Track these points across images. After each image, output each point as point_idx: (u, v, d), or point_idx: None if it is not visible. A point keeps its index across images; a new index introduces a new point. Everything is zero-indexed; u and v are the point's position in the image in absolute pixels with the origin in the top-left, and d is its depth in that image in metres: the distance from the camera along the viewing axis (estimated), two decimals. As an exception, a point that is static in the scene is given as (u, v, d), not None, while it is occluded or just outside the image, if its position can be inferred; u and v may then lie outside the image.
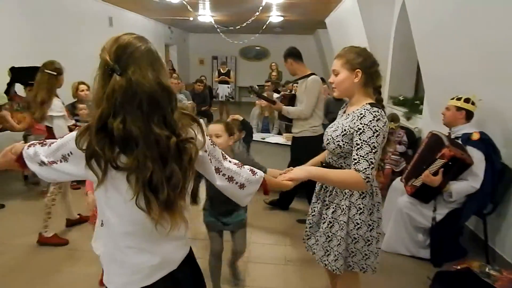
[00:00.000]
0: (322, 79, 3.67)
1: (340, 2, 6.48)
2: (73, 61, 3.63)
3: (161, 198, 1.00)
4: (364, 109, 1.60)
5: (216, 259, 2.34)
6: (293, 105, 3.55)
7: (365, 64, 1.66)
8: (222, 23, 9.07)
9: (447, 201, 2.80)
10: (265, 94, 5.24)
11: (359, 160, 1.53)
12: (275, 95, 6.07)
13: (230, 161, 1.25)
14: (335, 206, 1.75)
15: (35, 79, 2.94)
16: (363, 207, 1.69)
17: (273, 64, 9.35)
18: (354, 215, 1.69)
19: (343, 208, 1.71)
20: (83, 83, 4.04)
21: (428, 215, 2.87)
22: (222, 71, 9.60)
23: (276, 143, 4.50)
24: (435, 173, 2.71)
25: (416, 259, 2.96)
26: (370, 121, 1.55)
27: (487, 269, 2.34)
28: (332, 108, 4.69)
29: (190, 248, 1.26)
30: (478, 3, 2.69)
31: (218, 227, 2.30)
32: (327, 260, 1.76)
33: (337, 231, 1.72)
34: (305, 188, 3.27)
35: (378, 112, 1.58)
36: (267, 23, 8.79)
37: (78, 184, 4.06)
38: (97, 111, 0.97)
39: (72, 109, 3.89)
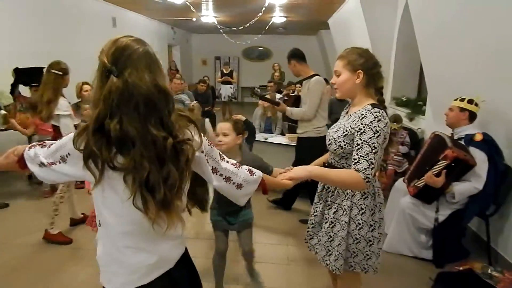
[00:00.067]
0: (326, 80, 3.66)
1: (343, 2, 6.48)
2: (77, 61, 3.65)
3: (157, 198, 1.01)
4: (365, 109, 1.61)
5: (220, 258, 2.35)
6: (297, 106, 3.56)
7: (367, 65, 1.66)
8: (225, 23, 9.08)
9: (449, 202, 2.80)
10: (267, 95, 5.25)
11: (359, 160, 1.53)
12: (278, 96, 6.09)
13: (227, 162, 1.26)
14: (337, 206, 1.75)
15: (38, 80, 2.96)
16: (365, 208, 1.70)
17: (275, 64, 9.36)
18: (355, 215, 1.70)
19: (344, 209, 1.71)
20: (87, 83, 4.07)
21: (430, 216, 2.87)
22: (225, 71, 9.61)
23: (279, 144, 4.50)
24: (437, 174, 2.71)
25: (418, 259, 2.96)
26: (371, 121, 1.56)
27: (489, 270, 2.35)
28: (335, 109, 4.67)
29: (186, 248, 1.27)
30: (481, 4, 2.68)
31: (223, 226, 2.31)
32: (329, 260, 1.77)
33: (338, 231, 1.72)
34: (307, 188, 3.28)
35: (379, 112, 1.58)
36: (270, 23, 8.80)
37: (82, 183, 4.08)
38: (95, 112, 0.99)
39: (76, 109, 3.91)
